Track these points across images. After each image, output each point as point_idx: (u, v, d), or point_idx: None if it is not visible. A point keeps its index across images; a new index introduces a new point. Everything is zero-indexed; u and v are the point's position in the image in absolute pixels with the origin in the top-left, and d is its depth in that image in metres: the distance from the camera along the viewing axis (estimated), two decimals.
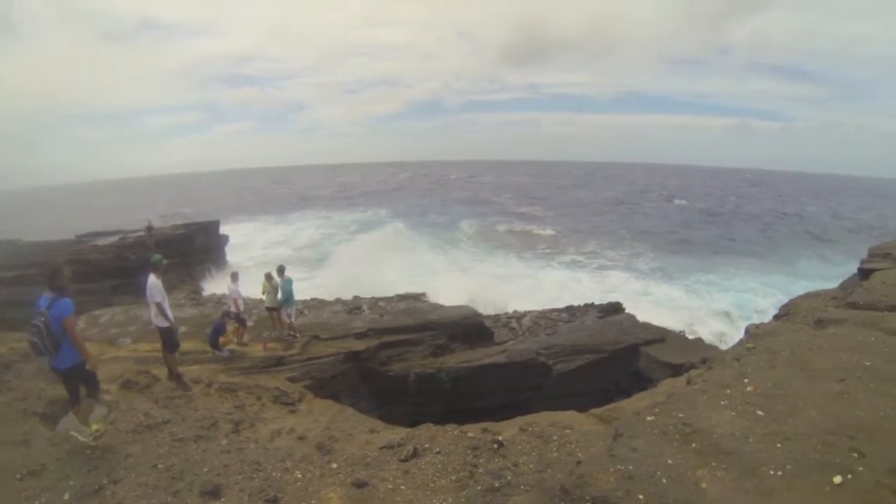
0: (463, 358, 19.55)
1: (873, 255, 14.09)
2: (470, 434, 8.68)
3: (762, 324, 14.00)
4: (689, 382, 11.04)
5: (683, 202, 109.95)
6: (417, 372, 18.57)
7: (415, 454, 7.75)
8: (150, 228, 38.60)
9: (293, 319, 17.95)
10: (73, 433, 8.30)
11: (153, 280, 11.31)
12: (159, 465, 7.61)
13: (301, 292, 28.80)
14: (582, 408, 19.59)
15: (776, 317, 14.92)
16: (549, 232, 66.65)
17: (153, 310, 11.50)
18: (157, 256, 11.90)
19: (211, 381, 12.28)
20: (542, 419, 10.48)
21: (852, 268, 15.93)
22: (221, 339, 15.77)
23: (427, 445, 8.09)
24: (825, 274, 43.94)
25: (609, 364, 20.41)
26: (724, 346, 24.67)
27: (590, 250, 56.59)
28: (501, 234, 64.69)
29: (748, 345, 11.26)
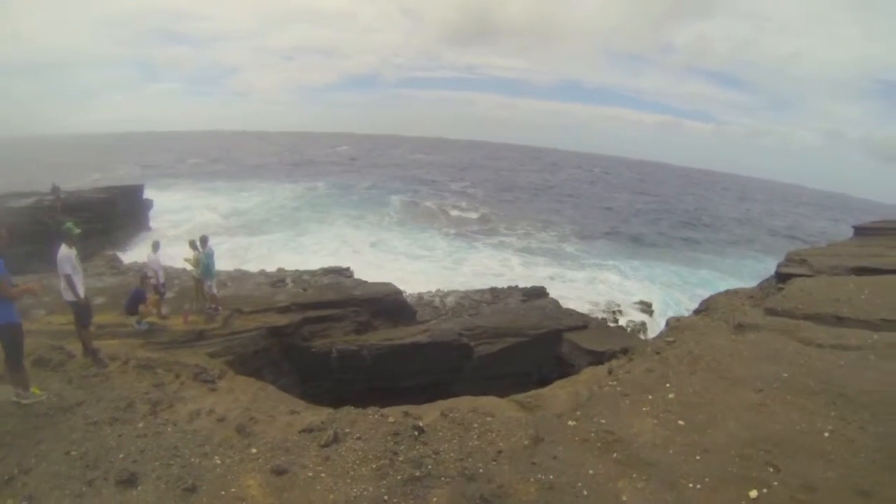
0: (385, 336, 19.55)
1: (790, 259, 14.62)
2: (391, 419, 8.66)
3: (682, 317, 14.42)
4: (610, 373, 11.27)
5: (621, 195, 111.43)
6: (340, 349, 18.44)
7: (335, 439, 7.71)
8: (56, 191, 36.62)
9: (215, 291, 17.50)
10: (14, 399, 8.52)
11: (64, 251, 10.78)
12: (72, 452, 7.39)
13: (224, 262, 28.29)
14: (503, 391, 19.78)
15: (696, 311, 15.35)
16: (479, 212, 66.71)
17: (62, 283, 11.03)
18: (69, 224, 11.25)
19: (128, 358, 11.84)
20: (463, 404, 10.50)
21: (768, 266, 16.43)
22: (141, 309, 15.25)
23: (348, 430, 8.06)
24: (742, 271, 46.04)
25: (531, 348, 20.72)
26: (644, 337, 25.33)
27: (519, 232, 57.00)
28: (431, 212, 64.41)
29: (668, 338, 11.57)
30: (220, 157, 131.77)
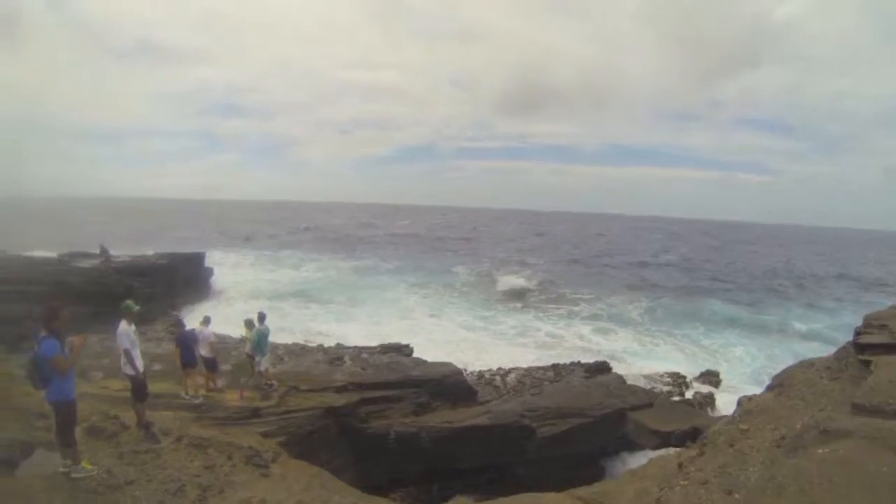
0: (445, 418, 19.01)
1: (868, 325, 13.65)
2: None
3: (754, 396, 13.61)
4: (680, 467, 10.58)
5: (671, 256, 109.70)
6: (398, 430, 18.00)
7: None
8: (104, 252, 37.38)
9: (263, 368, 17.25)
10: (64, 470, 8.42)
11: (123, 326, 10.93)
12: None
13: (283, 335, 28.28)
14: (566, 473, 19.21)
15: (769, 387, 14.51)
16: (542, 281, 65.99)
17: (122, 357, 11.09)
18: (129, 302, 11.51)
19: (181, 434, 11.66)
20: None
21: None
22: (189, 384, 15.26)
23: None
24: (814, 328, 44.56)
25: (595, 429, 19.98)
26: (711, 412, 24.29)
27: (585, 300, 55.98)
28: (492, 284, 63.81)
29: (742, 425, 10.86)
30: (278, 227, 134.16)
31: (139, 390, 11.45)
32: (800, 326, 47.87)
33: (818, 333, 45.56)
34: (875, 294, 66.39)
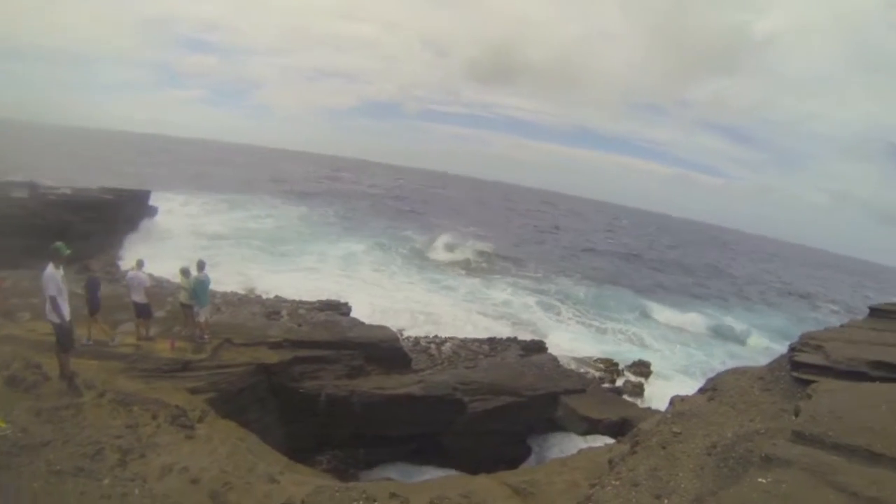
0: (377, 384, 18.86)
1: (805, 343, 13.94)
2: None
3: (686, 397, 13.78)
4: (611, 465, 10.66)
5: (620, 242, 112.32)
6: (329, 393, 17.77)
7: None
8: (33, 187, 35.69)
9: (202, 319, 16.76)
10: None
11: (50, 270, 10.36)
12: None
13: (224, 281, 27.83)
14: (493, 448, 19.37)
15: (701, 390, 14.74)
16: (493, 251, 66.40)
17: (47, 304, 10.54)
18: (60, 245, 10.79)
19: (105, 389, 11.22)
20: (453, 488, 9.92)
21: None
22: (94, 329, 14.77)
23: None
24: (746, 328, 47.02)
25: (526, 408, 20.20)
26: (641, 403, 24.80)
27: (532, 276, 56.66)
28: (444, 248, 63.75)
29: (675, 428, 10.95)
30: (236, 171, 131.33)
31: (64, 339, 10.94)
32: (733, 325, 49.64)
33: (746, 334, 47.49)
34: (812, 309, 71.24)
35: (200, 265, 16.62)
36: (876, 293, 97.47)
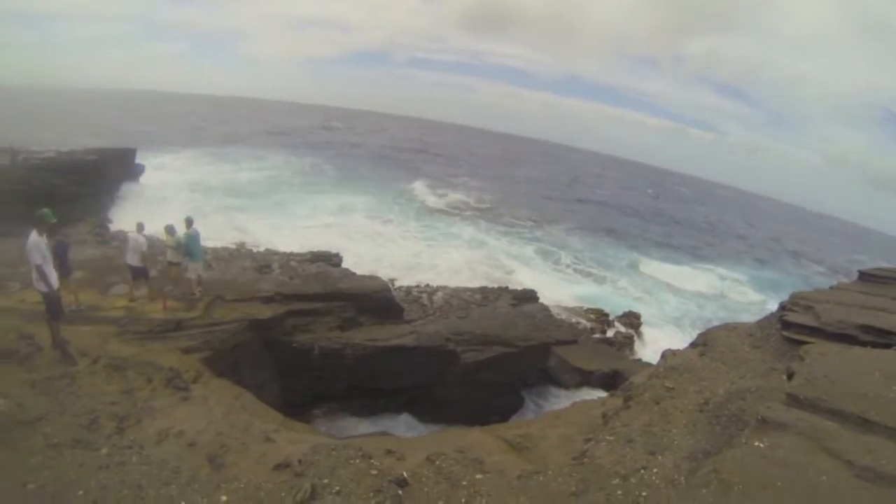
0: (370, 335, 18.93)
1: (795, 303, 14.12)
2: (374, 465, 8.00)
3: (678, 352, 13.96)
4: (605, 419, 10.79)
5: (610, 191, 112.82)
6: (322, 346, 17.86)
7: (312, 496, 7.08)
8: (14, 153, 34.61)
9: (194, 277, 16.74)
10: None
11: (34, 238, 10.15)
12: (30, 485, 6.71)
13: (216, 239, 27.67)
14: (486, 398, 19.57)
15: (693, 344, 14.93)
16: (484, 200, 66.52)
17: (33, 273, 10.41)
18: (46, 211, 10.51)
19: (99, 355, 11.20)
20: (449, 443, 10.01)
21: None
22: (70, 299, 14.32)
23: (326, 481, 7.45)
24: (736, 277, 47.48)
25: (518, 359, 20.41)
26: (630, 354, 25.06)
27: (523, 223, 56.77)
28: (434, 196, 63.65)
29: (667, 383, 11.10)
30: (222, 125, 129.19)
31: (53, 308, 10.85)
32: (724, 278, 50.42)
33: (736, 288, 48.27)
34: (802, 266, 72.12)
35: (189, 221, 16.46)
36: (864, 256, 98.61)
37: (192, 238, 16.35)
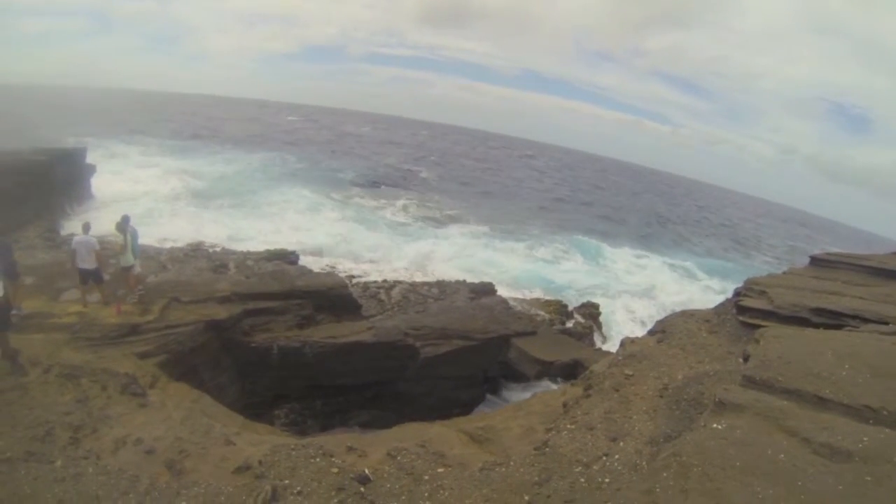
0: (329, 333, 18.81)
1: (749, 288, 14.43)
2: (335, 463, 7.98)
3: (637, 339, 14.16)
4: (565, 408, 10.86)
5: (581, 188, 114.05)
6: (281, 345, 17.65)
7: (273, 497, 7.02)
8: None
9: (137, 271, 16.32)
10: None
11: None
12: None
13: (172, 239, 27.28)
14: (447, 391, 19.61)
15: (651, 332, 15.13)
16: (438, 196, 66.65)
17: None
18: None
19: (51, 364, 10.91)
20: (410, 437, 10.01)
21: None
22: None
23: (287, 481, 7.45)
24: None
25: (478, 352, 20.51)
26: (591, 344, 25.31)
27: (479, 218, 57.11)
28: (388, 194, 63.52)
29: (626, 371, 11.24)
30: (174, 122, 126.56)
31: (0, 319, 10.54)
32: (680, 266, 51.46)
33: (691, 275, 49.25)
34: (753, 253, 74.89)
35: (125, 220, 15.81)
36: (812, 243, 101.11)
37: (135, 236, 15.95)
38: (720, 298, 17.59)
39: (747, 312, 13.25)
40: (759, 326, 11.49)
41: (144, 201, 41.82)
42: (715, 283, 46.61)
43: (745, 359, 8.62)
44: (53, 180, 35.83)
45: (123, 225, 15.67)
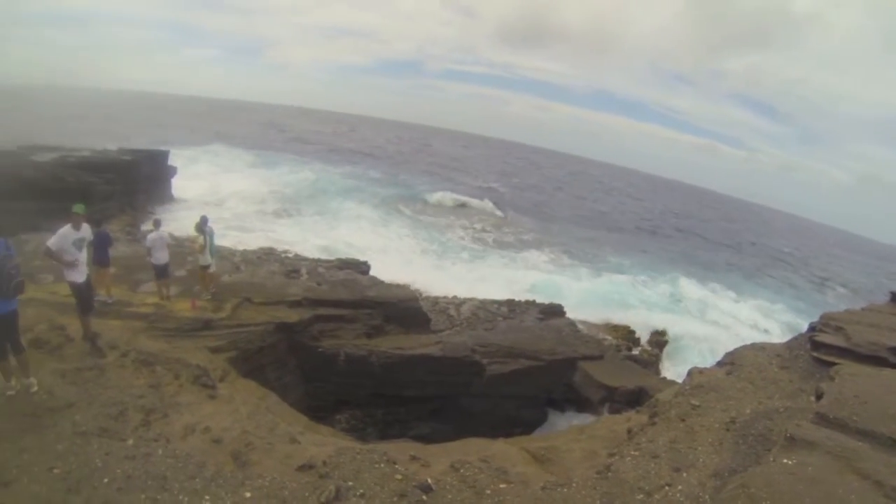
0: (396, 343, 18.94)
1: (826, 324, 13.92)
2: (398, 470, 7.98)
3: (705, 370, 13.79)
4: (630, 435, 10.70)
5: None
6: (348, 352, 17.87)
7: (336, 497, 7.10)
8: (54, 150, 34.84)
9: (213, 269, 16.98)
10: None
11: (66, 231, 10.25)
12: (56, 470, 6.82)
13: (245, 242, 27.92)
14: (511, 410, 19.54)
15: (720, 363, 14.74)
16: (513, 217, 66.76)
17: (64, 267, 10.56)
18: (79, 206, 10.59)
19: (128, 349, 11.30)
20: (473, 452, 9.94)
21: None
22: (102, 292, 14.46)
23: (351, 483, 7.44)
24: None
25: (544, 372, 20.28)
26: (658, 372, 24.86)
27: (553, 242, 56.67)
28: (465, 213, 63.84)
29: (693, 401, 10.99)
30: (251, 129, 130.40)
31: (83, 302, 10.98)
32: (753, 299, 49.84)
33: (763, 309, 47.60)
34: (825, 289, 71.01)
35: (204, 220, 16.48)
36: (893, 278, 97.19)
37: (212, 235, 16.54)
38: (792, 333, 17.10)
39: (822, 349, 12.72)
40: (833, 364, 11.04)
41: (225, 204, 43.10)
42: (789, 317, 45.14)
43: (819, 396, 8.34)
44: (137, 178, 37.48)
45: (202, 225, 16.29)
